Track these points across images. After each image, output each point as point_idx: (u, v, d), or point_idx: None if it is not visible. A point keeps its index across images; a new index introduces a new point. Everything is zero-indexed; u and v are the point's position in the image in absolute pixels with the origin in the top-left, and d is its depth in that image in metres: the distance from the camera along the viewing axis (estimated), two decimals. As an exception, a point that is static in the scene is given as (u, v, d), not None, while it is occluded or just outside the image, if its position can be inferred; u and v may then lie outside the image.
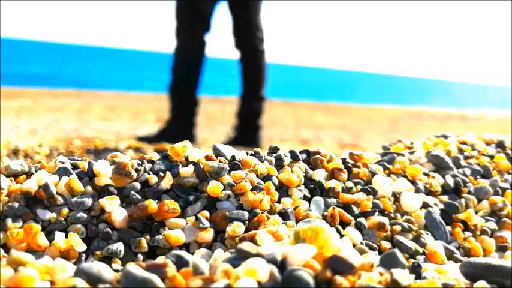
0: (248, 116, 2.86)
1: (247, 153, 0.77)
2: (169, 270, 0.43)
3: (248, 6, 2.70)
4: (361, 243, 0.67)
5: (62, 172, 0.67)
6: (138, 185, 0.67)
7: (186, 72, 2.76)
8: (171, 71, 2.78)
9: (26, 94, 5.85)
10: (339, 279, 0.42)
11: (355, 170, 0.81)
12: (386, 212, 0.76)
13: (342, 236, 0.67)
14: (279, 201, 0.70)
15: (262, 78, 2.82)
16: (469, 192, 0.87)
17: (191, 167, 0.70)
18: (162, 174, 0.69)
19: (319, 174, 0.77)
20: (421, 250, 0.70)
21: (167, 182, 0.68)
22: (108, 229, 0.62)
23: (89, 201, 0.64)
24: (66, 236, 0.60)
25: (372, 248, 0.67)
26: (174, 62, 2.77)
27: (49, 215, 0.62)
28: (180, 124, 2.79)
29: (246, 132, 2.85)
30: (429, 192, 0.84)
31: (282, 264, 0.44)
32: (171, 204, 0.64)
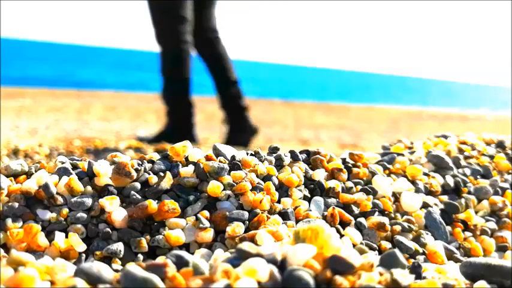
0: (230, 99, 2.86)
1: (247, 153, 0.77)
2: (169, 270, 0.43)
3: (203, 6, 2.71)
4: (361, 243, 0.67)
5: (62, 172, 0.67)
6: (138, 185, 0.67)
7: (176, 74, 2.76)
8: (161, 75, 2.78)
9: (26, 94, 5.85)
10: (339, 279, 0.42)
11: (355, 170, 0.81)
12: (386, 212, 0.76)
13: (342, 236, 0.67)
14: (279, 201, 0.70)
15: (227, 64, 2.82)
16: (469, 192, 0.87)
17: (191, 167, 0.70)
18: (162, 174, 0.69)
19: (319, 174, 0.77)
20: (421, 250, 0.70)
21: (167, 182, 0.68)
22: (108, 229, 0.62)
23: (89, 201, 0.64)
24: (66, 236, 0.60)
25: (372, 248, 0.67)
26: (162, 65, 2.77)
27: (49, 215, 0.62)
28: (179, 127, 2.78)
29: (235, 115, 2.85)
30: (429, 192, 0.84)
31: (282, 264, 0.44)
32: (171, 204, 0.64)
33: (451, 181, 0.87)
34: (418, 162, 0.92)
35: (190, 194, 0.68)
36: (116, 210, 0.63)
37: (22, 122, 3.44)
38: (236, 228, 0.63)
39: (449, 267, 0.55)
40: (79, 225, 0.62)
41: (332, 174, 0.79)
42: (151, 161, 0.72)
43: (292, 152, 0.80)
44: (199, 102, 2.99)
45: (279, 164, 0.77)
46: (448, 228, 0.78)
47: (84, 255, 0.60)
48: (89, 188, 0.66)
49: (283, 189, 0.73)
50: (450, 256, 0.72)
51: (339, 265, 0.43)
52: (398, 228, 0.72)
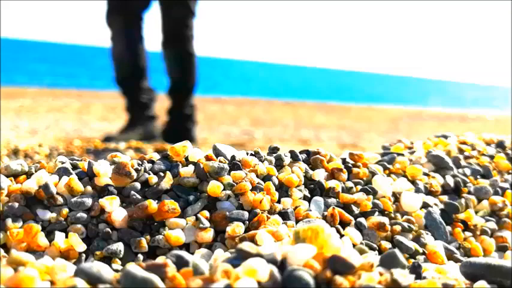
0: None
1: (247, 153, 0.77)
2: (169, 270, 0.43)
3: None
4: (361, 243, 0.67)
5: (62, 172, 0.67)
6: (138, 185, 0.67)
7: (179, 73, 2.75)
8: (168, 75, 2.77)
9: (26, 94, 5.86)
10: (339, 279, 0.42)
11: (355, 170, 0.81)
12: (386, 212, 0.76)
13: (342, 236, 0.67)
14: (279, 201, 0.70)
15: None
16: (469, 192, 0.87)
17: (191, 167, 0.70)
18: (162, 174, 0.69)
19: (319, 174, 0.77)
20: (421, 250, 0.70)
21: (167, 182, 0.68)
22: (108, 229, 0.62)
23: (89, 201, 0.64)
24: (66, 236, 0.60)
25: (372, 248, 0.67)
26: (167, 65, 2.76)
27: (49, 215, 0.62)
28: (178, 127, 2.79)
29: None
30: (429, 192, 0.84)
31: (282, 264, 0.44)
32: (171, 204, 0.64)
33: (451, 181, 0.87)
34: (418, 162, 0.92)
35: (190, 194, 0.68)
36: (115, 210, 0.63)
37: (22, 122, 3.44)
38: (236, 228, 0.63)
39: (449, 267, 0.55)
40: (79, 225, 0.62)
41: (332, 174, 0.79)
42: (151, 161, 0.72)
43: (292, 152, 0.80)
44: (199, 102, 2.99)
45: (279, 164, 0.77)
46: (448, 228, 0.78)
47: (84, 255, 0.60)
48: (89, 188, 0.66)
49: (283, 189, 0.73)
50: (450, 256, 0.72)
51: (339, 265, 0.43)
52: (398, 228, 0.72)
